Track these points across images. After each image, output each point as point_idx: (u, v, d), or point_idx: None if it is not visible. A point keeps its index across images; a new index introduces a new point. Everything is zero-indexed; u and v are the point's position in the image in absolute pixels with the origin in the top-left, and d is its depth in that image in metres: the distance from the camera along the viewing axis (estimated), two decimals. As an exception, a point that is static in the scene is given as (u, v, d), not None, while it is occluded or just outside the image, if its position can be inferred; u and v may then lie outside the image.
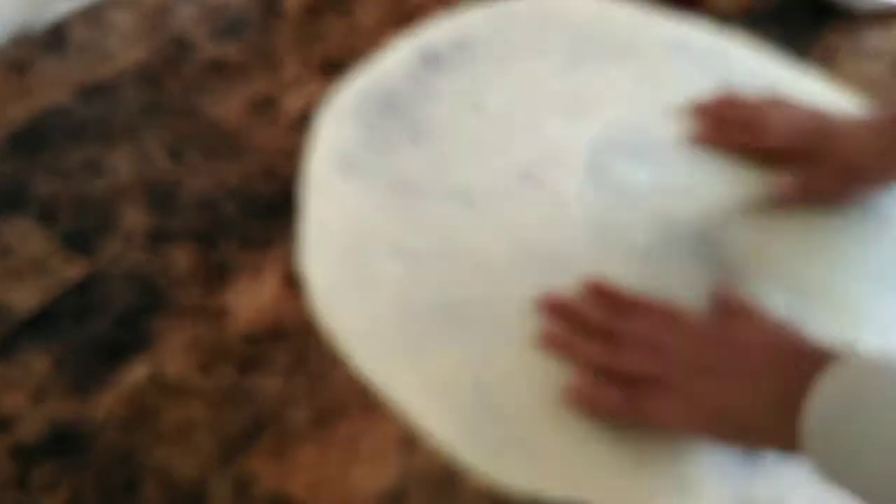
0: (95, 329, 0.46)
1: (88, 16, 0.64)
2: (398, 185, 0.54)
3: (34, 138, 0.55)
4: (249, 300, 0.48)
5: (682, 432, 0.42)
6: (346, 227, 0.52)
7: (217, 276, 0.49)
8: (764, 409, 0.39)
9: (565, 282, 0.49)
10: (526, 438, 0.44)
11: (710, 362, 0.42)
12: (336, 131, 0.58)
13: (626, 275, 0.50)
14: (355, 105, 0.59)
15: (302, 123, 0.57)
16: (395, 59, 0.63)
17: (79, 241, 0.50)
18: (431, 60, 0.63)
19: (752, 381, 0.40)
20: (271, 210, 0.53)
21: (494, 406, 0.45)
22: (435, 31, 0.65)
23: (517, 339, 0.47)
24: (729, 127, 0.57)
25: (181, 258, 0.49)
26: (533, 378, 0.46)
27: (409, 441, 0.43)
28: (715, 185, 0.56)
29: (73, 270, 0.48)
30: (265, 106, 0.59)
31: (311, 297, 0.48)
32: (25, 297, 0.47)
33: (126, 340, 0.46)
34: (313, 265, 0.50)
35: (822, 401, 0.36)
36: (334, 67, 0.61)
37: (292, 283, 0.49)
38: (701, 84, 0.63)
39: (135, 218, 0.51)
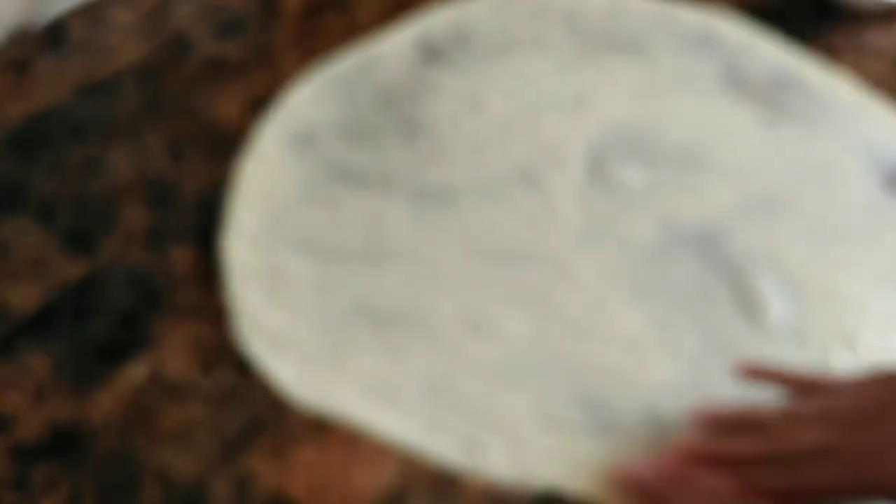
0: (95, 329, 0.46)
1: (88, 14, 0.64)
2: (353, 176, 0.54)
3: (33, 137, 0.55)
4: (249, 300, 0.48)
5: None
6: (271, 207, 0.51)
7: (217, 275, 0.49)
8: None
9: (545, 279, 0.49)
10: (502, 429, 0.44)
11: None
12: (308, 107, 0.58)
13: (626, 275, 0.50)
14: (342, 88, 0.59)
15: (302, 122, 0.57)
16: (391, 49, 0.63)
17: (78, 241, 0.50)
18: (430, 53, 0.63)
19: None
20: (271, 209, 0.52)
21: (454, 400, 0.44)
22: (434, 23, 0.65)
23: (454, 336, 0.47)
24: None
25: (181, 257, 0.49)
26: (484, 367, 0.46)
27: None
28: (716, 185, 0.56)
29: (72, 270, 0.48)
30: (264, 104, 0.58)
31: (229, 297, 0.48)
32: (24, 297, 0.47)
33: (125, 340, 0.46)
34: (232, 252, 0.49)
35: None
36: (334, 66, 0.61)
37: (292, 283, 0.49)
38: (709, 81, 0.63)
39: (134, 217, 0.51)
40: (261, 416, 0.43)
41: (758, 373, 0.44)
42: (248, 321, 0.47)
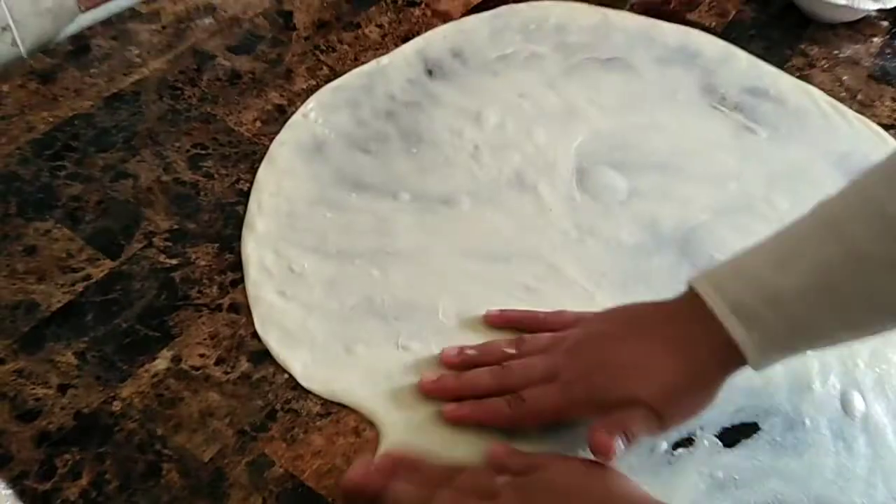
0: (118, 325, 0.48)
1: (111, 28, 0.66)
2: (361, 182, 0.56)
3: (59, 144, 0.57)
4: (263, 298, 0.50)
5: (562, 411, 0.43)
6: (285, 211, 0.54)
7: (233, 275, 0.51)
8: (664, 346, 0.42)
9: (537, 277, 0.52)
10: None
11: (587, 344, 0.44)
12: (319, 117, 0.60)
13: (612, 272, 0.52)
14: (350, 100, 0.62)
15: (312, 132, 0.60)
16: (395, 63, 0.65)
17: (102, 242, 0.52)
18: (431, 67, 0.65)
19: (639, 334, 0.43)
20: (284, 213, 0.55)
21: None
22: (435, 39, 0.68)
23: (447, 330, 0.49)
24: None
25: (200, 258, 0.52)
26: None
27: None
28: (695, 190, 0.58)
29: (96, 269, 0.50)
30: (277, 115, 0.61)
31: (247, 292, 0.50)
32: (51, 295, 0.49)
33: (147, 335, 0.48)
34: (248, 251, 0.52)
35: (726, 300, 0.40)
36: (343, 79, 0.64)
37: (303, 283, 0.51)
38: (689, 93, 0.65)
39: (157, 220, 0.54)
40: (274, 406, 0.46)
41: (498, 319, 0.49)
42: (263, 316, 0.49)
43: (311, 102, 0.62)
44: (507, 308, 0.50)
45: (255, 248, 0.52)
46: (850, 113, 0.65)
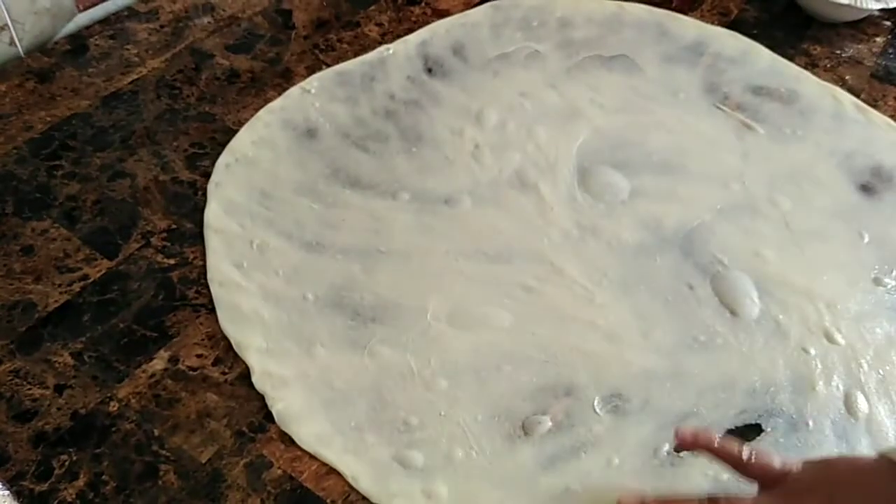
0: (115, 325, 0.48)
1: (109, 27, 0.66)
2: (356, 182, 0.56)
3: (57, 143, 0.57)
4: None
5: None
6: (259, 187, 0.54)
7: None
8: None
9: (536, 276, 0.51)
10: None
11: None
12: (313, 112, 0.60)
13: (612, 272, 0.52)
14: (348, 96, 0.62)
15: (312, 131, 0.59)
16: (395, 60, 0.65)
17: (99, 242, 0.52)
18: (431, 66, 0.65)
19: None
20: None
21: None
22: (435, 35, 0.67)
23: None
24: None
25: (197, 258, 0.51)
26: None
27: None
28: (697, 190, 0.58)
29: (93, 270, 0.50)
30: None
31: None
32: (48, 295, 0.49)
33: (145, 335, 0.47)
34: (212, 229, 0.52)
35: None
36: (343, 78, 0.63)
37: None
38: (692, 92, 0.65)
39: (153, 219, 0.53)
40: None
41: (693, 440, 0.42)
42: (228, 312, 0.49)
43: (314, 81, 0.62)
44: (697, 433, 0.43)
45: (218, 214, 0.52)
46: (855, 113, 0.64)
